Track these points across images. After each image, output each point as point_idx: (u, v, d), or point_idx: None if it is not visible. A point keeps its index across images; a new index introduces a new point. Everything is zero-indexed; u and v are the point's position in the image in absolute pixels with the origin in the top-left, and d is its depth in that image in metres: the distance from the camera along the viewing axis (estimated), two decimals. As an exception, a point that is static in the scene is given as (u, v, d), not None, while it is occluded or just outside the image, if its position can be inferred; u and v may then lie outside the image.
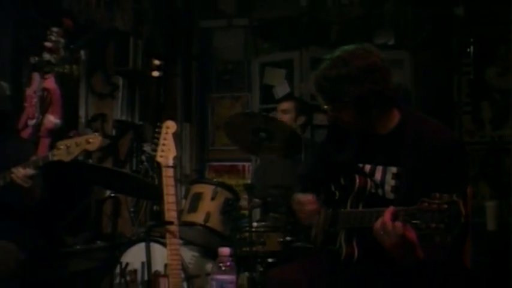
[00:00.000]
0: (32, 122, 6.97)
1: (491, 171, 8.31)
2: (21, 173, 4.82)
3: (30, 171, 4.84)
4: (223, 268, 3.33)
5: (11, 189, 4.94)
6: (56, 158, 4.79)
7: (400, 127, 3.92)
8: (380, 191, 3.92)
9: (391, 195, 3.86)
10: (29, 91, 7.15)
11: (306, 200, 4.17)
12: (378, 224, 3.40)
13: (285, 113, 6.88)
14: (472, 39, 8.59)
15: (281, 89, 9.91)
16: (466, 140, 8.42)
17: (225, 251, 3.36)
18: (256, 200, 5.96)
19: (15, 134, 5.68)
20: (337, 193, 4.06)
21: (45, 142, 6.96)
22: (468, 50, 8.64)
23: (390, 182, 3.89)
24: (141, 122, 9.10)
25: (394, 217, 3.33)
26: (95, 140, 4.79)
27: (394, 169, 3.87)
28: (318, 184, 4.28)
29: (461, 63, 8.73)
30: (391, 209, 3.38)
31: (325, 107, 3.97)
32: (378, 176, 3.94)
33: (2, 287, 4.95)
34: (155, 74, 9.13)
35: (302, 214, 4.21)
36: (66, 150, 4.76)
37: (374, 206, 3.73)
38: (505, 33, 7.57)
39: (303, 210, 4.21)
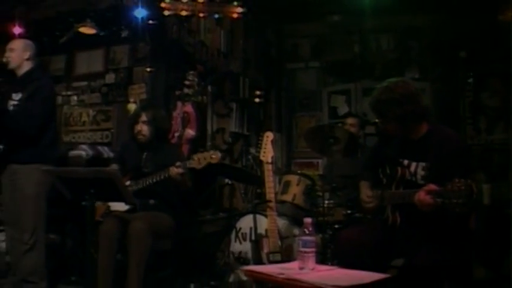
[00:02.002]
0: (177, 134, 7.04)
1: (486, 163, 8.17)
2: (175, 171, 4.91)
3: (180, 170, 4.91)
4: (307, 232, 3.27)
5: (169, 181, 5.00)
6: (191, 166, 4.89)
7: (428, 134, 3.95)
8: (414, 179, 3.94)
9: (421, 182, 3.85)
10: (174, 113, 7.24)
11: (368, 199, 4.16)
12: (417, 197, 3.59)
13: (352, 126, 6.81)
14: (471, 73, 8.46)
15: (342, 109, 9.82)
16: (469, 143, 8.29)
17: (308, 220, 3.31)
18: (327, 185, 5.87)
19: (169, 142, 5.68)
20: (384, 179, 4.10)
21: (185, 148, 7.00)
22: (469, 80, 8.51)
23: (421, 172, 3.91)
24: (248, 133, 9.06)
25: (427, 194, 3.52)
26: (216, 156, 4.87)
27: (423, 164, 3.90)
28: (372, 174, 4.25)
29: (465, 90, 8.60)
30: (425, 189, 3.57)
31: (377, 120, 4.08)
32: (412, 168, 3.96)
33: (162, 243, 4.99)
34: (257, 100, 9.08)
35: (366, 206, 4.18)
36: (198, 161, 4.84)
37: (410, 189, 3.82)
38: (495, 69, 7.93)
39: (367, 207, 4.19)
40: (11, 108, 4.90)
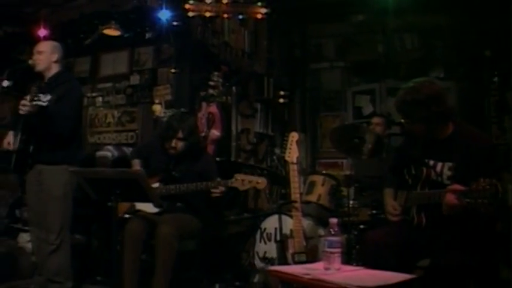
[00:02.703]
0: (202, 135, 7.04)
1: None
2: (219, 190, 4.92)
3: (222, 188, 4.93)
4: (332, 232, 3.27)
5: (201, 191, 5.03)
6: (233, 185, 4.85)
7: (454, 134, 3.94)
8: (439, 179, 3.94)
9: (447, 182, 3.85)
10: (199, 114, 7.26)
11: (393, 211, 4.14)
12: (445, 200, 3.62)
13: (378, 125, 6.80)
14: (496, 72, 8.36)
15: (367, 109, 9.80)
16: (494, 142, 8.22)
17: (334, 220, 3.31)
18: (352, 186, 5.86)
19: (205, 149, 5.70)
20: (409, 180, 4.10)
21: (210, 148, 7.02)
22: (494, 79, 8.41)
23: (447, 172, 3.90)
24: (272, 133, 9.08)
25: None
26: (262, 183, 4.85)
27: (449, 164, 3.89)
28: (397, 175, 4.25)
29: (490, 89, 8.51)
30: (451, 188, 3.63)
31: (403, 120, 4.07)
32: (438, 168, 3.95)
33: (187, 243, 5.04)
34: (281, 100, 9.09)
35: (391, 219, 4.17)
36: (242, 183, 4.81)
37: (436, 189, 3.84)
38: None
39: (392, 220, 4.17)
40: (22, 110, 4.88)
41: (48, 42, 5.38)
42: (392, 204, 4.14)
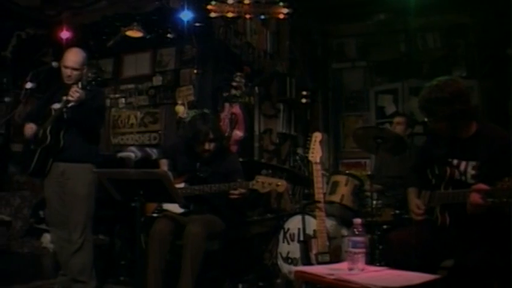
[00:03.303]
0: (225, 135, 7.06)
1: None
2: (235, 194, 4.94)
3: (242, 190, 4.94)
4: (356, 232, 3.27)
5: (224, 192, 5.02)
6: (254, 187, 4.86)
7: (477, 133, 3.92)
8: (463, 178, 3.91)
9: (471, 181, 3.83)
10: (222, 115, 7.28)
11: (418, 211, 4.09)
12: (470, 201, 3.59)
13: (399, 125, 6.79)
14: (519, 70, 8.34)
15: (389, 109, 9.80)
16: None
17: (358, 220, 3.31)
18: (375, 186, 5.85)
19: (227, 148, 5.70)
20: (433, 180, 4.08)
21: (234, 149, 7.04)
22: (517, 77, 8.39)
23: (471, 172, 3.88)
24: (295, 134, 9.09)
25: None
26: (281, 185, 4.84)
27: (473, 163, 3.87)
28: (420, 174, 4.24)
29: (512, 87, 8.49)
30: (475, 188, 3.61)
31: (426, 119, 4.04)
32: (462, 167, 3.93)
33: (211, 243, 5.03)
34: (304, 101, 9.10)
35: (415, 218, 4.12)
36: (262, 185, 4.82)
37: (459, 189, 3.82)
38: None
39: (416, 219, 4.13)
40: (75, 96, 4.89)
41: (82, 56, 5.30)
42: (416, 203, 4.11)
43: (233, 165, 5.33)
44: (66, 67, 5.18)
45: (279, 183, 4.83)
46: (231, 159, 5.52)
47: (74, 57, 5.26)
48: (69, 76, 5.15)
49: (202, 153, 5.30)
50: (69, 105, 4.87)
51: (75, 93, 4.78)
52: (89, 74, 4.98)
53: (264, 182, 4.82)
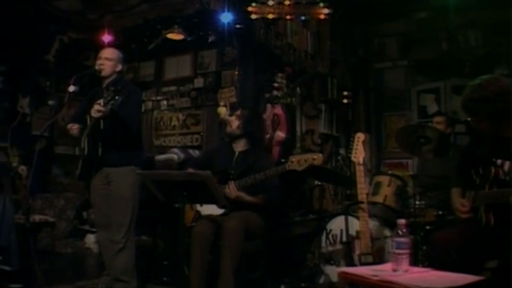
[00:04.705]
0: (267, 136, 7.08)
1: None
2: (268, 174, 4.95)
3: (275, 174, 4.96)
4: (400, 233, 3.26)
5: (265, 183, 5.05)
6: (291, 168, 4.79)
7: None
8: (508, 178, 3.87)
9: None
10: (264, 116, 7.28)
11: (462, 208, 4.05)
12: None
13: (439, 124, 6.72)
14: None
15: (431, 108, 9.74)
16: None
17: (402, 221, 3.29)
18: (418, 186, 5.82)
19: (260, 145, 5.69)
20: (477, 180, 4.04)
21: (276, 150, 7.07)
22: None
23: (515, 171, 3.84)
24: (337, 134, 9.08)
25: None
26: (318, 158, 4.73)
27: None
28: (464, 174, 4.20)
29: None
30: None
31: (469, 119, 4.00)
32: (506, 167, 3.90)
33: (253, 244, 5.05)
34: (345, 101, 9.09)
35: (460, 216, 4.09)
36: (298, 163, 4.75)
37: (504, 188, 3.79)
38: None
39: (461, 217, 4.10)
40: (97, 114, 4.95)
41: (116, 51, 5.42)
42: (460, 201, 4.09)
43: (267, 164, 5.31)
44: (99, 58, 5.27)
45: (315, 157, 4.74)
46: (264, 159, 5.52)
47: (106, 49, 5.42)
48: (102, 65, 5.21)
49: (227, 132, 5.49)
50: (97, 116, 4.89)
51: (97, 113, 4.81)
52: (108, 92, 4.97)
53: (299, 160, 4.75)
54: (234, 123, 5.42)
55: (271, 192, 5.18)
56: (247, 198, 5.08)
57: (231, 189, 5.00)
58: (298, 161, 4.76)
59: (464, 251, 3.78)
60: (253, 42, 7.67)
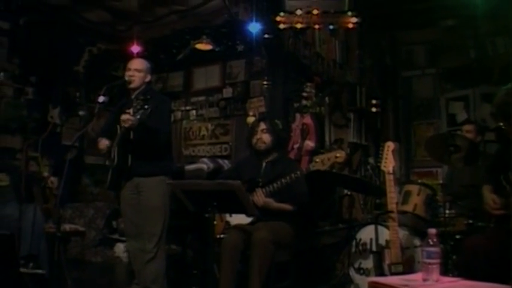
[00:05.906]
0: (296, 146, 7.11)
1: None
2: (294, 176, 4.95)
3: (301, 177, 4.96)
4: (431, 243, 3.25)
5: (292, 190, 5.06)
6: (315, 168, 4.83)
7: None
8: (540, 184, 3.83)
9: None
10: (293, 125, 7.34)
11: (494, 205, 4.04)
12: None
13: (469, 133, 6.68)
14: None
15: (461, 116, 9.67)
16: None
17: (433, 231, 3.28)
18: (448, 195, 5.79)
19: (286, 154, 5.71)
20: (507, 186, 4.02)
21: (305, 160, 7.06)
22: None
23: (547, 178, 3.80)
24: (366, 143, 9.06)
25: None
26: (341, 155, 4.75)
27: None
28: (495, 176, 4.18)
29: None
30: None
31: (501, 124, 3.97)
32: (538, 172, 3.84)
33: (282, 253, 5.06)
34: (374, 110, 9.07)
35: (493, 212, 4.09)
36: (321, 163, 4.78)
37: None
38: None
39: (494, 213, 4.10)
40: (126, 123, 4.95)
41: (145, 62, 5.46)
42: (492, 197, 4.06)
43: (294, 170, 5.30)
44: (128, 69, 5.31)
45: (338, 155, 4.76)
46: (292, 165, 5.51)
47: (135, 61, 5.45)
48: (132, 77, 5.26)
49: (256, 146, 5.44)
50: (127, 125, 4.92)
51: (127, 122, 4.84)
52: (140, 98, 4.99)
53: (323, 159, 4.79)
54: (267, 138, 5.44)
55: (299, 197, 5.18)
56: (275, 205, 5.08)
57: (259, 196, 5.01)
58: (321, 160, 4.81)
59: (495, 259, 3.76)
60: (282, 52, 7.69)
